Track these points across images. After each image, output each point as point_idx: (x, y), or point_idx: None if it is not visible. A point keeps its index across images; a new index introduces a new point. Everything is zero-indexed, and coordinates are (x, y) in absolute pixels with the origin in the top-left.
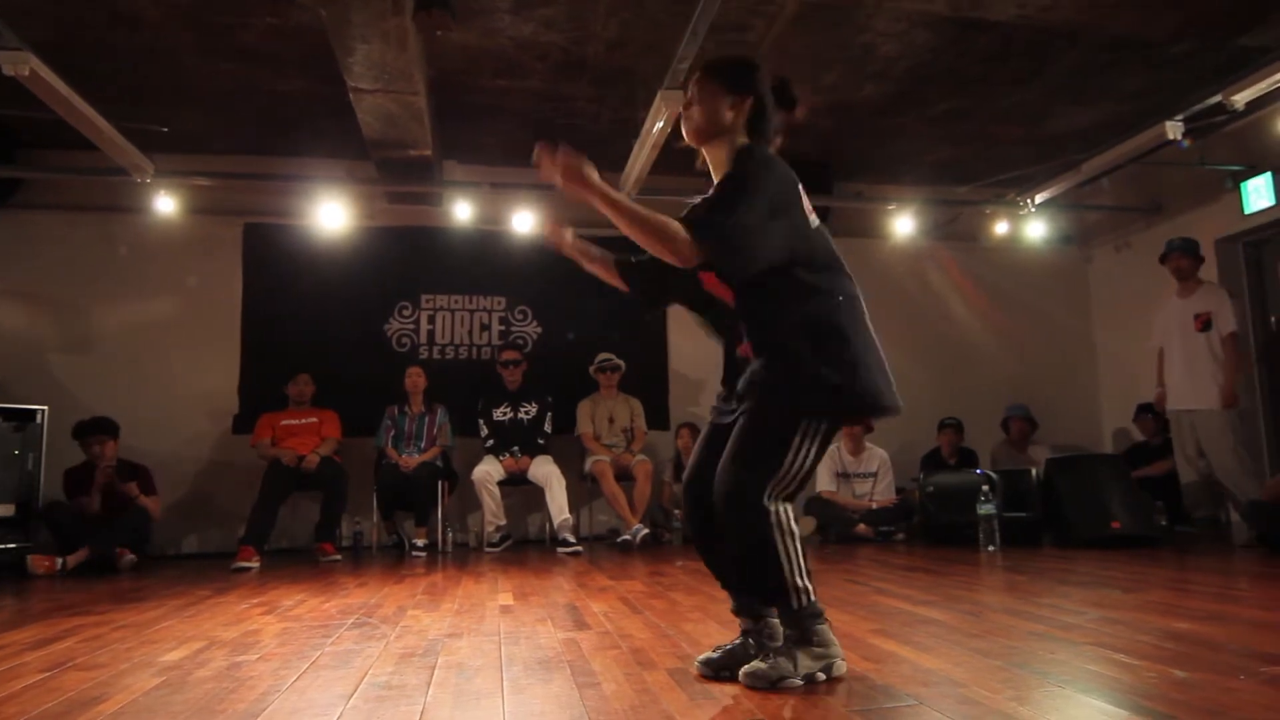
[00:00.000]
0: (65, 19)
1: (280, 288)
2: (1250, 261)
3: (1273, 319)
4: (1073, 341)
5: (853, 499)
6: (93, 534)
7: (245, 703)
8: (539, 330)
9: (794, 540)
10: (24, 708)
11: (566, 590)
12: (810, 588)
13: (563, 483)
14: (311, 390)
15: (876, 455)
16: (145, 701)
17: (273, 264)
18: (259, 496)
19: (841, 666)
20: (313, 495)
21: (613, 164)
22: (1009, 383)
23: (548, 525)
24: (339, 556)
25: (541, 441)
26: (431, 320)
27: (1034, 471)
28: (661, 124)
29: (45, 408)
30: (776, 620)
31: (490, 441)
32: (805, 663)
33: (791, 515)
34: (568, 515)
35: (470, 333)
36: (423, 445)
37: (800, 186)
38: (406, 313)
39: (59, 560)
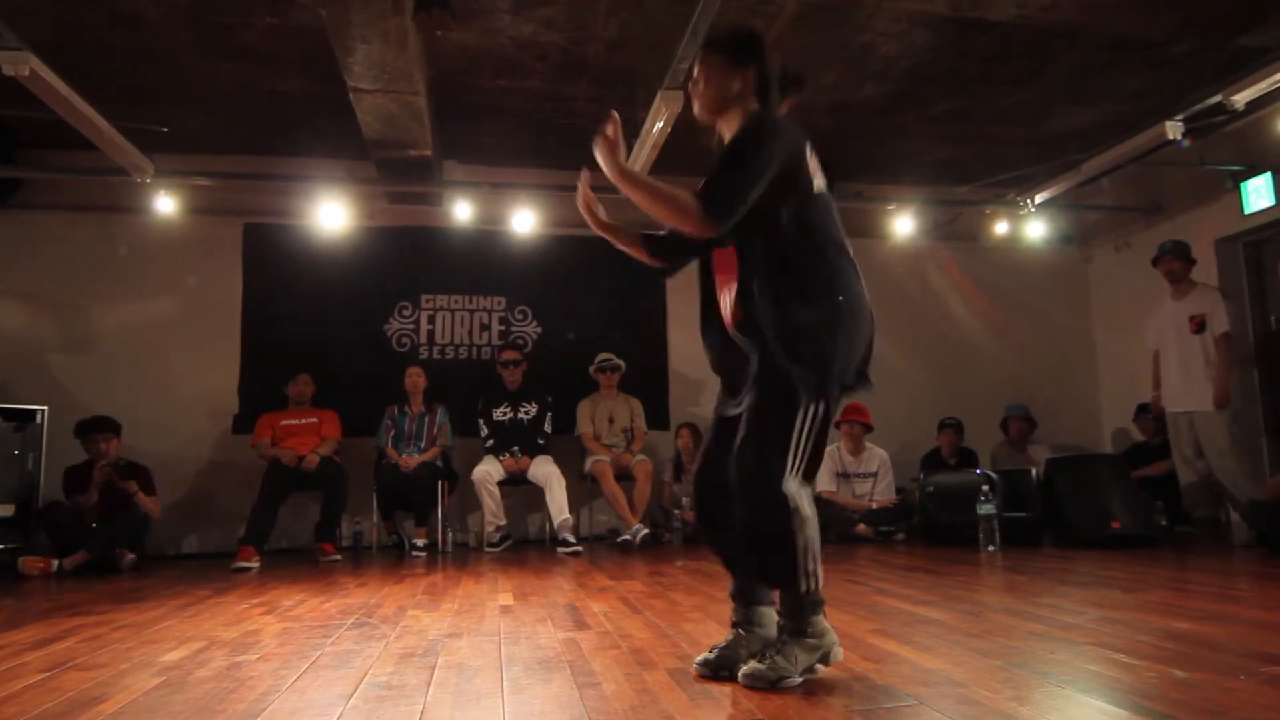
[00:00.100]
0: (65, 19)
1: (280, 288)
2: (1250, 261)
3: (1272, 319)
4: (1073, 341)
5: (853, 499)
6: (91, 536)
7: (245, 703)
8: (539, 330)
9: (811, 526)
10: (24, 708)
11: (566, 590)
12: (819, 575)
13: (563, 483)
14: (311, 390)
15: (876, 455)
16: (145, 701)
17: (273, 264)
18: (259, 496)
19: (838, 653)
20: (313, 495)
21: None
22: (1009, 383)
23: (548, 525)
24: (339, 556)
25: (541, 441)
26: (431, 320)
27: (1034, 471)
28: (661, 124)
29: (45, 408)
30: (769, 609)
31: (490, 441)
32: (802, 658)
33: (810, 500)
34: (568, 515)
35: (470, 333)
36: (423, 445)
37: (808, 147)
38: (406, 313)
39: (54, 562)
